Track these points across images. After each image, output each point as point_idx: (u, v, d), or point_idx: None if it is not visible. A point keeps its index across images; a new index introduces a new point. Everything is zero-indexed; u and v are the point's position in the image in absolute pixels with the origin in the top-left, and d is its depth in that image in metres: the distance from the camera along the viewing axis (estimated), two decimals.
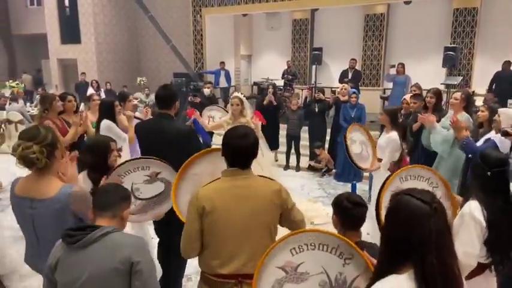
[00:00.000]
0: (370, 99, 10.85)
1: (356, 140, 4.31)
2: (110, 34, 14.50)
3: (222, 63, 12.91)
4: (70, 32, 14.51)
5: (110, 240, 1.70)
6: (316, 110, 7.53)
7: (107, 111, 4.31)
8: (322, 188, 6.83)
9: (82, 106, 11.47)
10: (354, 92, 6.90)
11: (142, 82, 13.58)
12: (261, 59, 15.55)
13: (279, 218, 1.99)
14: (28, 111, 9.30)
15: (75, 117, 4.32)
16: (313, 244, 1.60)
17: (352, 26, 13.09)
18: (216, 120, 5.47)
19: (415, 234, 1.21)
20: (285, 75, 12.81)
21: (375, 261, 1.56)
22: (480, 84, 11.07)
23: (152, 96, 11.94)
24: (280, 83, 12.69)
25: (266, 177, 2.07)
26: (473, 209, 2.08)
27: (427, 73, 11.16)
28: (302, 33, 14.06)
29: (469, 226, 2.06)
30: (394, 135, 3.94)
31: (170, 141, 2.79)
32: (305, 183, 7.06)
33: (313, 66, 13.58)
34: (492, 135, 3.51)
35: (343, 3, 11.97)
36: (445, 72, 11.28)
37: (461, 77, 11.08)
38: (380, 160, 4.05)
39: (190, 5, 13.47)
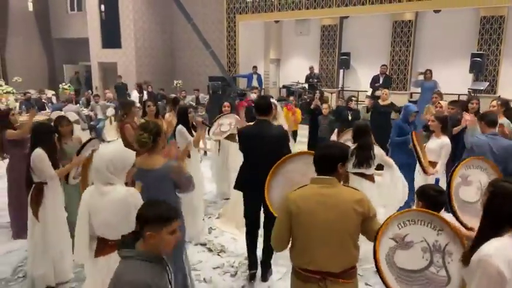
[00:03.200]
0: (398, 104, 11.31)
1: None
2: (148, 39, 15.35)
3: (255, 67, 13.56)
4: (110, 37, 15.41)
5: (121, 266, 1.84)
6: (350, 118, 7.45)
7: (181, 116, 4.87)
8: None
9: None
10: (417, 111, 5.65)
11: (178, 85, 14.34)
12: (289, 63, 16.15)
13: (360, 224, 2.15)
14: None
15: (160, 120, 5.05)
16: (413, 220, 2.15)
17: (380, 32, 13.57)
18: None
19: None
20: (310, 80, 13.38)
21: (463, 230, 2.20)
22: (507, 90, 11.41)
23: (189, 98, 12.65)
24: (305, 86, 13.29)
25: (350, 186, 2.33)
26: None
27: (454, 78, 11.59)
28: (330, 38, 14.61)
29: None
30: (446, 139, 4.40)
31: (271, 143, 3.40)
32: None
33: (341, 71, 14.18)
34: None
35: (372, 12, 12.46)
36: (471, 78, 11.71)
37: (488, 83, 11.48)
38: (433, 163, 4.36)
39: (224, 11, 14.20)
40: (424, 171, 4.37)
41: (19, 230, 4.55)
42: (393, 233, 2.15)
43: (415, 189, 4.29)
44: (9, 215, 4.77)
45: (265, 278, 3.76)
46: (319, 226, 2.12)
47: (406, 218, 2.17)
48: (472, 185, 2.91)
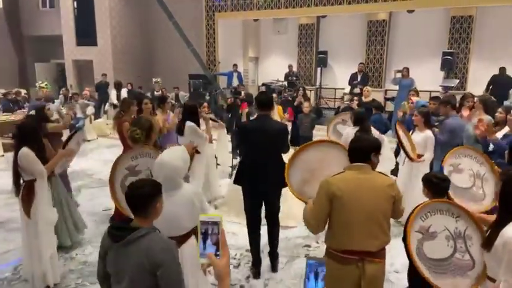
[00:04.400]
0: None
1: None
2: (125, 36, 15.12)
3: (235, 65, 13.66)
4: (85, 34, 15.08)
5: (144, 243, 1.91)
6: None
7: (190, 114, 4.97)
8: None
9: (107, 106, 12.12)
10: (424, 105, 5.74)
11: (158, 83, 14.20)
12: (267, 61, 16.34)
13: (391, 206, 2.38)
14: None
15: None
16: (433, 211, 2.36)
17: (356, 31, 13.97)
18: None
19: None
20: (289, 77, 13.61)
21: (478, 215, 2.44)
22: (475, 87, 12.01)
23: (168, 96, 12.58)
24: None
25: (382, 173, 2.51)
26: None
27: (426, 76, 12.09)
28: (308, 37, 14.89)
29: None
30: (429, 133, 4.69)
31: (273, 137, 3.54)
32: None
33: (319, 69, 14.48)
34: (504, 132, 4.37)
35: (348, 11, 12.78)
36: (442, 75, 12.26)
37: (458, 80, 12.07)
38: (419, 156, 4.65)
39: (203, 9, 14.20)
40: (410, 158, 4.62)
41: None
42: (419, 226, 2.35)
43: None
44: None
45: (275, 268, 3.90)
46: (359, 208, 2.29)
47: (426, 210, 2.37)
48: (463, 173, 3.14)
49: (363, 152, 2.42)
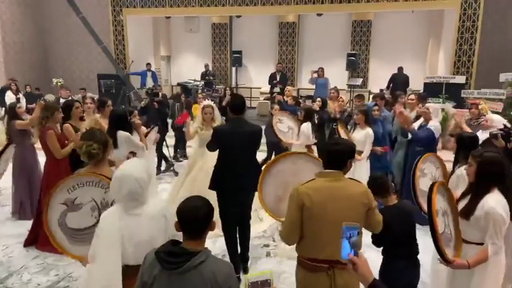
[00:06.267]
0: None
1: (427, 173, 3.51)
2: (18, 33, 13.38)
3: (148, 64, 13.06)
4: None
5: (206, 268, 1.75)
6: None
7: (119, 121, 4.38)
8: None
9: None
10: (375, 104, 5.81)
11: (59, 83, 12.89)
12: (180, 60, 15.96)
13: (364, 215, 2.29)
14: None
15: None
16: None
17: (268, 32, 14.43)
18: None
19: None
20: (206, 77, 13.50)
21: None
22: (375, 85, 13.32)
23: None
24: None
25: (354, 179, 2.39)
26: None
27: (334, 75, 12.97)
28: (222, 36, 14.92)
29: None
30: (369, 130, 5.05)
31: (250, 139, 3.52)
32: None
33: (234, 68, 14.64)
34: (419, 123, 5.00)
35: (259, 12, 13.00)
36: (347, 75, 13.37)
37: (361, 79, 13.26)
38: (358, 152, 4.84)
39: (109, 4, 13.27)
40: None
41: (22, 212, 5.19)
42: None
43: None
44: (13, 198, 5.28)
45: (246, 270, 3.88)
46: (330, 217, 2.20)
47: None
48: (426, 176, 3.42)
49: (340, 156, 2.32)
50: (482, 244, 2.47)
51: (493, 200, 2.43)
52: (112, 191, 2.21)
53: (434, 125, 4.82)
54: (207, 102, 5.11)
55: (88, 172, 2.65)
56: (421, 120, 5.07)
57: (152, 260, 1.80)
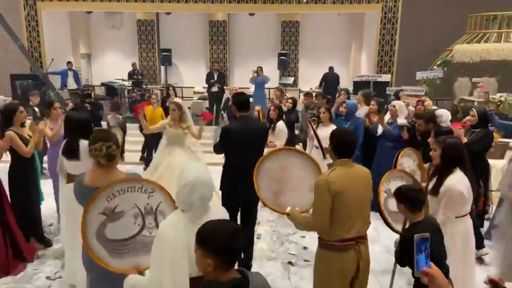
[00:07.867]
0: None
1: (406, 168, 3.64)
2: None
3: (69, 63, 11.94)
4: None
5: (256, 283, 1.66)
6: None
7: (83, 130, 3.71)
8: None
9: None
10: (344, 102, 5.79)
11: None
12: (102, 58, 14.89)
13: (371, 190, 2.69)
14: None
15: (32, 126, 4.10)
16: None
17: (199, 30, 14.15)
18: None
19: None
20: (134, 76, 12.79)
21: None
22: (305, 84, 13.82)
23: None
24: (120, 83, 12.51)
25: (357, 163, 2.72)
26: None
27: (266, 74, 13.22)
28: (148, 34, 14.25)
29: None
30: (334, 127, 5.14)
31: (259, 137, 3.57)
32: None
33: (163, 67, 14.06)
34: (386, 120, 5.28)
35: (186, 9, 12.64)
36: (278, 74, 13.67)
37: (293, 78, 13.66)
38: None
39: None
40: (324, 153, 5.07)
41: None
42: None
43: None
44: None
45: None
46: (356, 199, 2.54)
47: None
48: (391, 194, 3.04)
49: (351, 145, 2.65)
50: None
51: (455, 179, 2.89)
52: (179, 197, 2.02)
53: (402, 122, 5.15)
54: (176, 99, 5.05)
55: (133, 178, 2.43)
56: (388, 117, 5.38)
57: None
